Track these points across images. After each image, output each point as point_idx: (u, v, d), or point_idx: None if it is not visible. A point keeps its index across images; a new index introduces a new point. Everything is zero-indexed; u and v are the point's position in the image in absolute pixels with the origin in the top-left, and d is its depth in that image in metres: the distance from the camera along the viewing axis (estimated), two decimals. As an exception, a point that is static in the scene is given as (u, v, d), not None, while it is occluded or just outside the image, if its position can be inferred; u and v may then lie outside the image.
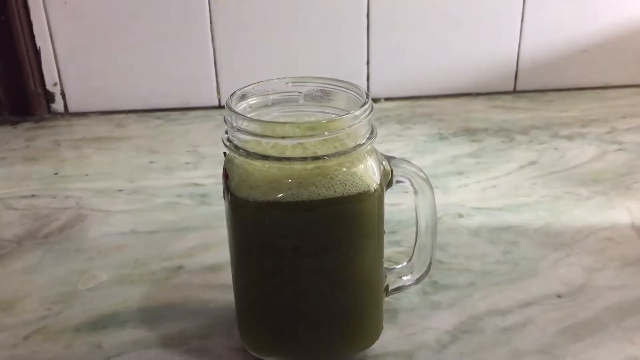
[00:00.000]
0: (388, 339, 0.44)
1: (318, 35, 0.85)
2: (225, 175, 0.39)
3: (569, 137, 0.76)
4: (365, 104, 0.38)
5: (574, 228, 0.57)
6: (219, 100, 0.87)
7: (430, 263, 0.44)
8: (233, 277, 0.41)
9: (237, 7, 0.83)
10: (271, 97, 0.41)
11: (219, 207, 0.62)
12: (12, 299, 0.50)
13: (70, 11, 0.82)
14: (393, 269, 0.45)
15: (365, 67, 0.87)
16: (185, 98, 0.87)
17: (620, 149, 0.73)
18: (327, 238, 0.37)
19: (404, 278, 0.45)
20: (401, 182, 0.42)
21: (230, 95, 0.39)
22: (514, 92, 0.91)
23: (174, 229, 0.59)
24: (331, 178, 0.37)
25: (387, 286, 0.44)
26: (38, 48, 0.83)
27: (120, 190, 0.66)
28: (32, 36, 0.82)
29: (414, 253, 0.44)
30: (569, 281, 0.50)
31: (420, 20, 0.86)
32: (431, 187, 0.42)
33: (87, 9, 0.82)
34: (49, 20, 0.82)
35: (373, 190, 0.38)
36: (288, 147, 0.37)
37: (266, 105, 0.41)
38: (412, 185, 0.42)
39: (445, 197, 0.63)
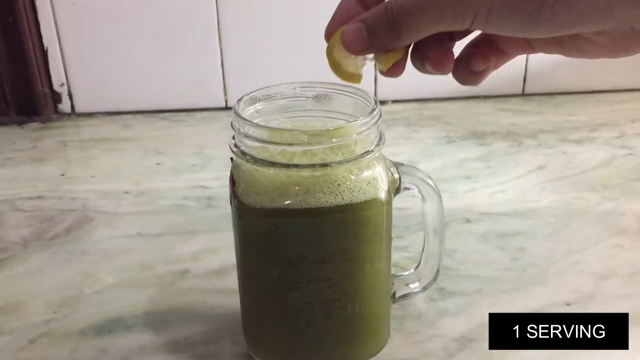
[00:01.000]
0: (395, 346, 0.44)
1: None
2: (232, 181, 0.38)
3: (578, 142, 0.76)
4: (374, 110, 0.38)
5: (582, 235, 0.57)
6: (226, 101, 0.87)
7: (437, 270, 0.44)
8: (239, 283, 0.41)
9: (245, 7, 0.83)
10: (279, 102, 0.41)
11: (225, 210, 0.61)
12: (17, 301, 0.50)
13: (77, 12, 0.82)
14: (400, 275, 0.45)
15: (373, 68, 0.86)
16: (192, 99, 0.87)
17: (629, 154, 0.72)
18: (334, 246, 0.37)
19: (411, 285, 0.44)
20: (409, 189, 0.41)
21: (238, 101, 0.39)
22: (523, 95, 0.90)
23: (179, 232, 0.59)
24: (339, 185, 0.36)
25: (394, 293, 0.44)
26: (45, 48, 0.83)
27: (127, 192, 0.66)
28: (40, 37, 0.82)
29: (422, 260, 0.44)
30: (578, 289, 0.50)
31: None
32: (439, 194, 0.42)
33: (94, 9, 0.82)
34: (57, 21, 0.82)
35: (381, 198, 0.38)
36: (296, 154, 0.36)
37: (274, 111, 0.41)
38: (420, 192, 0.41)
39: (452, 202, 0.63)
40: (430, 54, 0.36)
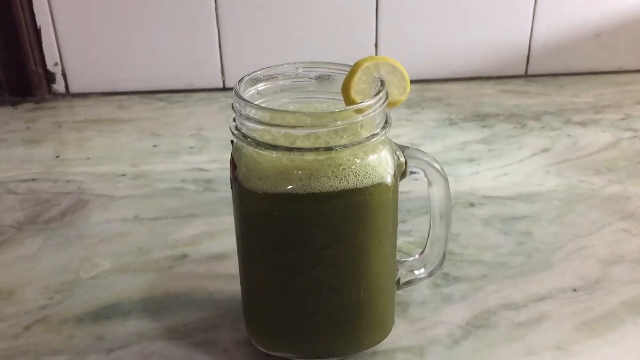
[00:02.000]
0: (399, 333, 0.43)
1: (326, 16, 0.83)
2: (233, 165, 0.37)
3: (582, 124, 0.74)
4: (379, 92, 0.36)
5: (588, 219, 0.56)
6: (224, 82, 0.85)
7: (444, 256, 0.43)
8: (240, 269, 0.40)
9: (243, -14, 0.81)
10: (281, 82, 0.39)
11: (224, 194, 0.60)
12: (12, 287, 0.49)
13: (71, -11, 0.80)
14: (405, 261, 0.44)
15: (374, 49, 0.85)
16: (188, 79, 0.85)
17: (635, 136, 0.71)
18: (339, 231, 0.36)
19: (416, 272, 0.43)
20: (415, 172, 0.40)
21: (239, 82, 0.37)
22: (526, 76, 0.89)
23: (177, 215, 0.57)
24: (343, 169, 0.35)
25: (399, 279, 0.43)
26: (38, 27, 0.81)
27: (123, 175, 0.65)
28: (33, 14, 0.80)
29: (427, 245, 0.43)
30: (584, 274, 0.49)
31: (430, 1, 0.83)
32: (446, 179, 0.41)
33: (88, -14, 0.80)
34: (50, -2, 0.80)
35: (387, 182, 0.36)
36: (299, 137, 0.35)
37: (275, 92, 0.39)
38: (426, 176, 0.40)
39: (456, 185, 0.61)
40: None
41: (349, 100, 0.37)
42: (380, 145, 0.37)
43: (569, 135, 0.72)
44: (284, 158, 0.35)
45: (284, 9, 0.82)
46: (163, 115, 0.79)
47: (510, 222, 0.56)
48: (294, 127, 0.34)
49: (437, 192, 0.41)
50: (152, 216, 0.57)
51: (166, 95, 0.84)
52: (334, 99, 0.39)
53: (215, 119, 0.77)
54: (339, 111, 0.35)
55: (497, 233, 0.54)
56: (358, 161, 0.36)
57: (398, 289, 0.43)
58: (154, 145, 0.71)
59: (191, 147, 0.70)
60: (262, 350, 0.41)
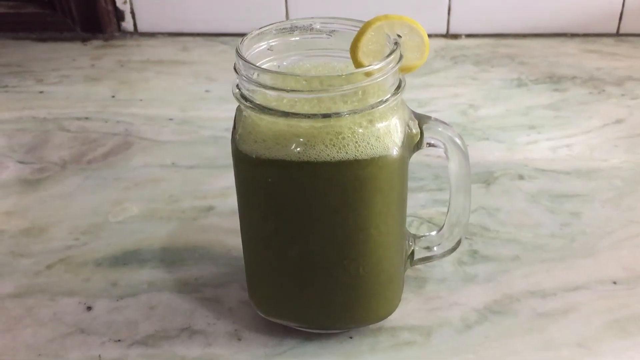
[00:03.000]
0: (408, 311, 0.41)
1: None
2: (234, 126, 0.35)
3: (670, 93, 0.67)
4: (391, 53, 0.33)
5: (650, 203, 0.50)
6: (288, 27, 0.83)
7: (461, 238, 0.40)
8: (241, 233, 0.39)
9: None
10: (294, 39, 0.37)
11: (263, 146, 0.59)
12: (44, 224, 0.50)
13: None
14: (422, 237, 0.41)
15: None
16: (253, 23, 0.83)
17: None
18: (334, 204, 0.34)
19: (434, 249, 0.41)
20: (433, 145, 0.37)
21: (243, 38, 0.35)
22: (617, 35, 0.80)
23: (213, 165, 0.57)
24: (343, 138, 0.33)
25: (413, 255, 0.40)
26: (109, -36, 0.81)
27: (170, 120, 0.65)
28: (103, -49, 0.81)
29: (445, 223, 0.40)
30: (630, 266, 0.44)
31: (514, -53, 0.76)
32: (467, 156, 0.37)
33: None
34: None
35: (392, 154, 0.34)
36: (300, 101, 0.33)
37: (289, 48, 0.37)
38: (445, 152, 0.37)
39: (508, 154, 0.57)
40: None
41: (356, 62, 0.34)
42: (389, 113, 0.34)
43: (650, 106, 0.64)
44: (281, 123, 0.33)
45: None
46: (222, 60, 0.78)
47: (560, 200, 0.51)
48: (292, 90, 0.32)
49: (457, 169, 0.38)
50: (188, 164, 0.57)
51: (229, 38, 0.83)
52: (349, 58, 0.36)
53: (272, 66, 0.76)
54: (341, 75, 0.32)
55: (542, 211, 0.50)
56: (360, 130, 0.33)
57: (412, 265, 0.41)
58: (206, 91, 0.70)
59: (242, 95, 0.69)
60: (261, 315, 0.40)
